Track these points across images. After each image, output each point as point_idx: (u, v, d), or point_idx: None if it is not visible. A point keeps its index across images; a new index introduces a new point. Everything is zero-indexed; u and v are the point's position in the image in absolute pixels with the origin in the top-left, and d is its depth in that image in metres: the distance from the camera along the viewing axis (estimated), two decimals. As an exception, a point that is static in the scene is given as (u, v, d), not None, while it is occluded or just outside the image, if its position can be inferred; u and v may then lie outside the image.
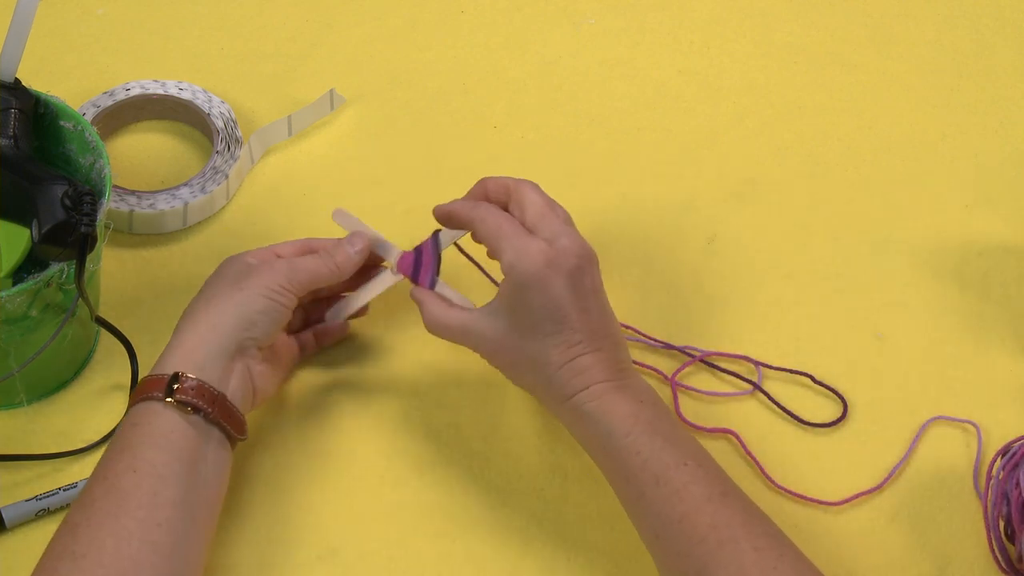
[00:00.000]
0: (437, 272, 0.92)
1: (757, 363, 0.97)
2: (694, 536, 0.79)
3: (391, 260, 0.93)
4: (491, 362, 0.89)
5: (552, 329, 0.84)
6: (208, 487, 0.83)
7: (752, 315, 1.00)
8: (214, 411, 0.83)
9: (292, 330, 0.95)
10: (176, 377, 0.83)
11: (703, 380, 0.97)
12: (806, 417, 0.95)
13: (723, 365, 0.97)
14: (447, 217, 0.90)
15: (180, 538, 0.79)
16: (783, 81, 1.14)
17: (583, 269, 0.85)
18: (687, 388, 0.96)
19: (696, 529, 0.79)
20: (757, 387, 0.96)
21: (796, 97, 1.13)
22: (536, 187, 0.89)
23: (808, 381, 0.97)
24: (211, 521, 0.83)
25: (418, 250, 0.93)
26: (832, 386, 0.96)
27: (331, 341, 0.97)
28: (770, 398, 0.96)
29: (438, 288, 0.91)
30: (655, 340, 0.98)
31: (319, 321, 0.96)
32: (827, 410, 0.96)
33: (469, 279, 0.96)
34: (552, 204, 0.88)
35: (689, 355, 0.97)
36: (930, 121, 1.12)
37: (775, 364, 0.97)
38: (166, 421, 0.82)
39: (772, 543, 0.79)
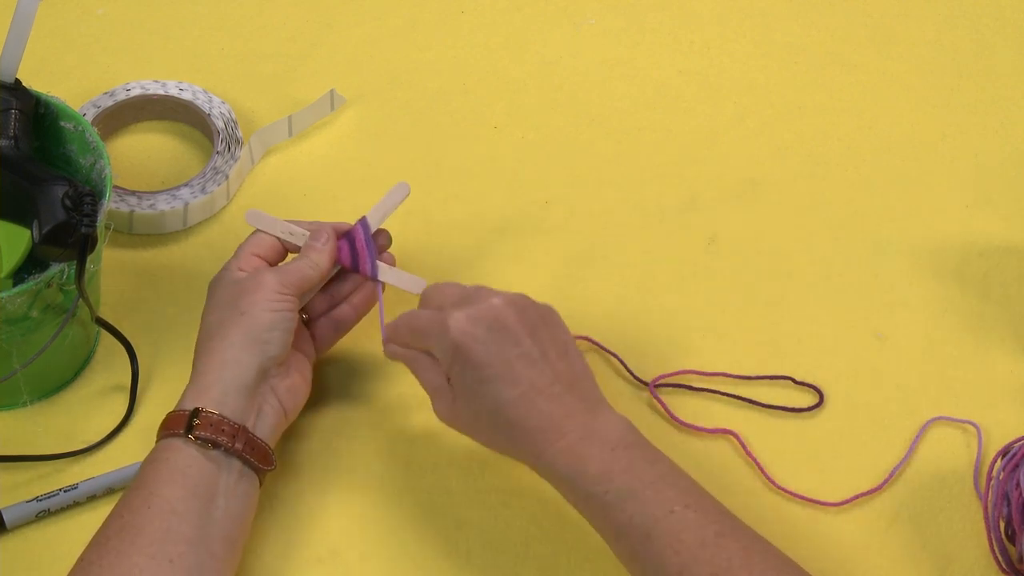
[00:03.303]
0: (376, 256, 0.92)
1: (737, 376, 0.97)
2: None
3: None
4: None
5: (494, 391, 0.82)
6: (228, 521, 0.82)
7: (752, 315, 1.00)
8: (235, 444, 0.83)
9: (316, 314, 0.93)
10: (196, 413, 0.83)
11: (701, 378, 0.97)
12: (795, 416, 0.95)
13: (699, 385, 0.96)
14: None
15: (194, 574, 0.79)
16: (783, 81, 1.14)
17: (504, 322, 0.83)
18: (685, 387, 0.96)
19: None
20: (741, 399, 0.96)
21: (796, 97, 1.13)
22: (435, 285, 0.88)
23: (790, 383, 0.97)
24: (232, 555, 0.82)
25: (350, 237, 0.93)
26: (813, 383, 0.96)
27: (362, 314, 0.94)
28: (755, 403, 0.96)
29: (384, 272, 0.92)
30: (632, 373, 0.97)
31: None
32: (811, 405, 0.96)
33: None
34: (456, 285, 0.87)
35: (650, 389, 0.96)
36: (930, 121, 1.12)
37: (773, 365, 0.97)
38: (184, 457, 0.82)
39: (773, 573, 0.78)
